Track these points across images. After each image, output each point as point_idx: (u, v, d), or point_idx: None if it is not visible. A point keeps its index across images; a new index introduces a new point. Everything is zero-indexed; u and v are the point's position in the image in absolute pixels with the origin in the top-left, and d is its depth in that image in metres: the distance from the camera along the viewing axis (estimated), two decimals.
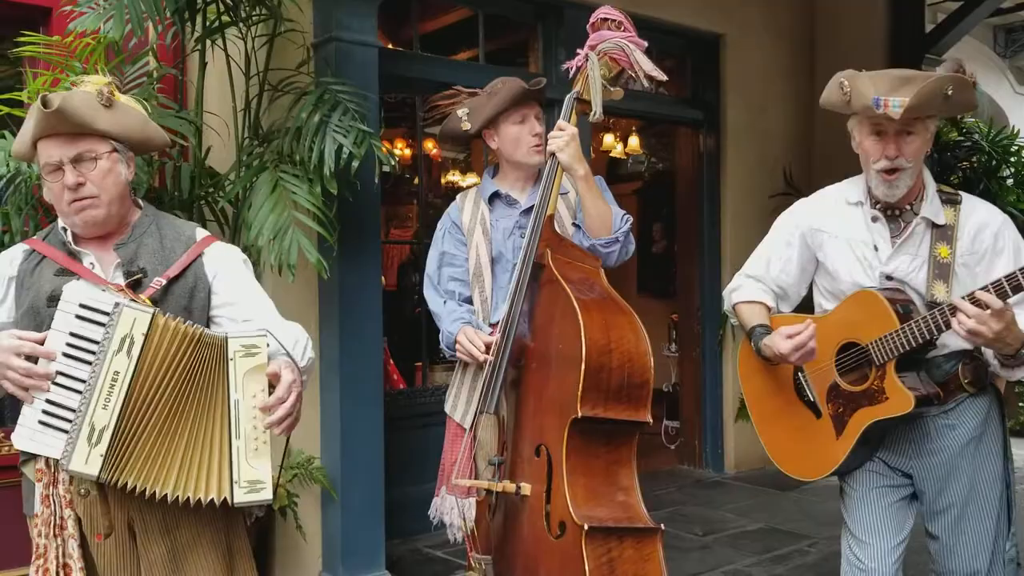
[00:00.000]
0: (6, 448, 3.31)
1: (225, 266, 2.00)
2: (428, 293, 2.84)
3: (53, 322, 1.75)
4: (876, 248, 2.27)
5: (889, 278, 2.25)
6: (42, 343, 1.74)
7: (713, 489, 5.58)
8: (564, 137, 2.47)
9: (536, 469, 2.30)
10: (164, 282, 1.89)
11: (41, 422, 1.73)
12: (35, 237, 1.99)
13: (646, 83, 2.49)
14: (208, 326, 1.95)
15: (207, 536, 1.90)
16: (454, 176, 7.49)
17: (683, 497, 5.36)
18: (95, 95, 1.88)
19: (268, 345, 1.82)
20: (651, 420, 2.29)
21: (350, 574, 3.57)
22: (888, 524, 2.32)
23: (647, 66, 2.44)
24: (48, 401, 1.73)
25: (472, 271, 2.77)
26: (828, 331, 2.28)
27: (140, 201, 2.06)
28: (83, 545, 1.81)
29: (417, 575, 4.04)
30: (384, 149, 3.23)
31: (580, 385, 2.15)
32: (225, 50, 3.24)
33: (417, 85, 4.58)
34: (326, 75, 3.45)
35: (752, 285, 2.48)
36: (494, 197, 2.80)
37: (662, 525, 2.27)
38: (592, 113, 2.50)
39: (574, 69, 2.54)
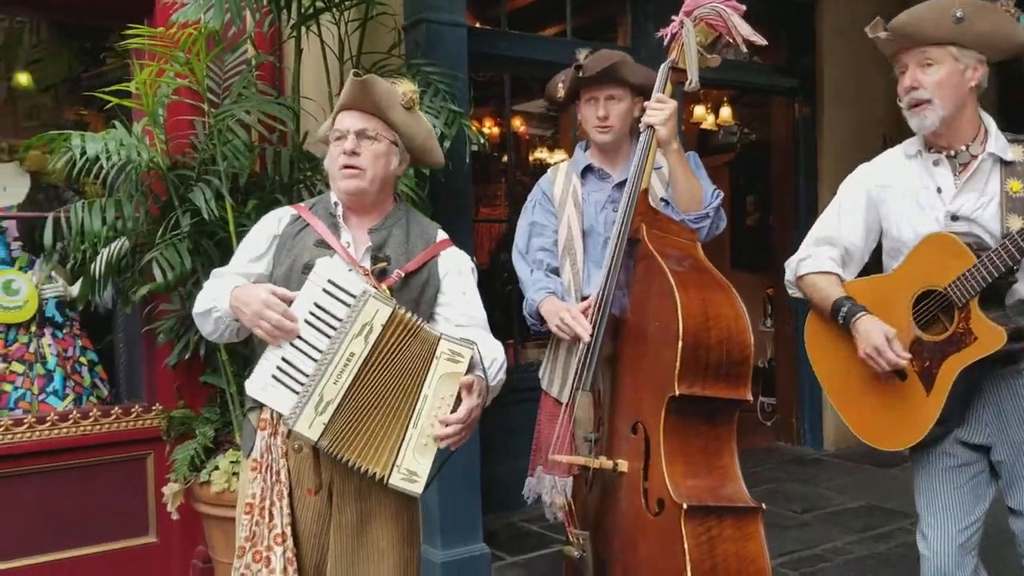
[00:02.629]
0: (126, 423, 3.50)
1: (455, 268, 2.14)
2: (517, 262, 2.85)
3: (302, 289, 1.93)
4: (939, 190, 2.22)
5: (955, 218, 2.19)
6: (290, 304, 1.92)
7: (812, 466, 5.48)
8: (666, 111, 2.43)
9: (633, 446, 2.29)
10: (403, 275, 2.03)
11: (274, 376, 1.90)
12: (302, 204, 2.16)
13: (744, 49, 2.43)
14: (428, 320, 2.08)
15: (391, 508, 2.03)
16: (542, 153, 7.48)
17: (781, 474, 5.28)
18: (399, 93, 2.05)
19: (471, 358, 1.93)
20: (751, 398, 2.26)
21: (448, 547, 3.63)
22: (954, 507, 2.24)
23: (745, 30, 2.37)
24: (283, 359, 1.89)
25: (563, 244, 2.76)
26: (899, 286, 2.22)
27: (398, 196, 2.21)
28: (289, 495, 1.97)
29: (514, 549, 4.09)
30: (473, 128, 3.25)
31: (677, 363, 2.13)
32: (320, 36, 3.29)
33: (505, 63, 4.58)
34: (416, 57, 3.48)
35: (822, 254, 2.40)
36: (586, 171, 2.78)
37: (763, 505, 2.24)
38: (688, 82, 2.45)
39: (668, 37, 2.49)
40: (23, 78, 4.67)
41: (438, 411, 1.90)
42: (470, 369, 1.95)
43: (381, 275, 2.02)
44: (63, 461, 3.38)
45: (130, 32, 3.04)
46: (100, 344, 4.02)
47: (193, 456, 3.23)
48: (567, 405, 2.51)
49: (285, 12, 3.20)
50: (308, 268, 1.96)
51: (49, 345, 3.73)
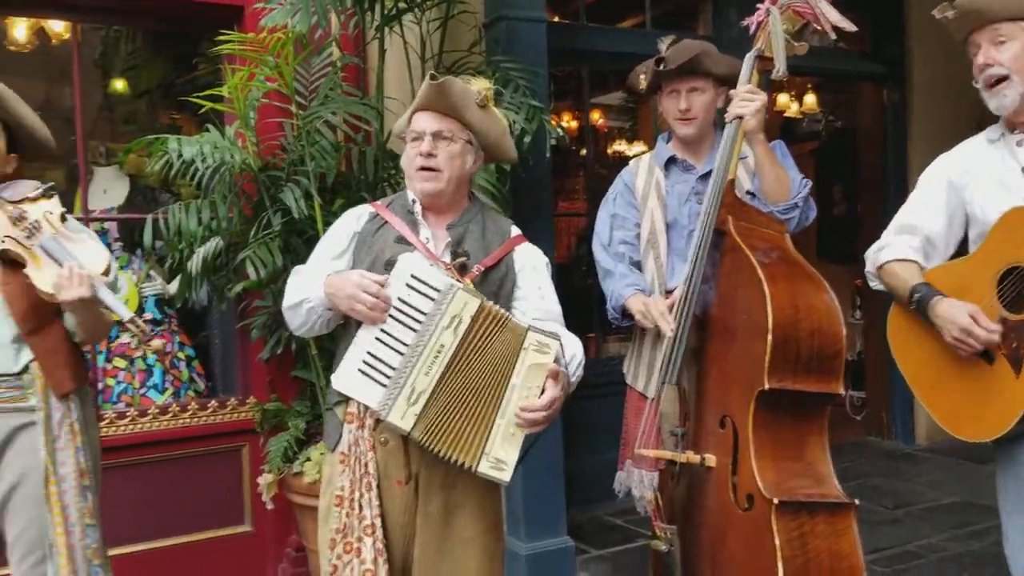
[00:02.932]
0: (222, 416, 3.62)
1: (530, 264, 2.16)
2: (598, 254, 2.84)
3: (386, 284, 1.96)
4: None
5: None
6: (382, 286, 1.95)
7: (903, 461, 5.33)
8: (756, 103, 2.39)
9: (721, 441, 2.27)
10: (483, 269, 2.07)
11: (360, 370, 1.94)
12: (379, 202, 2.20)
13: (832, 36, 2.38)
14: None
15: (475, 499, 2.06)
16: (620, 145, 7.43)
17: (871, 470, 5.15)
18: (474, 92, 2.07)
19: (557, 349, 1.95)
20: (843, 392, 2.22)
21: (532, 539, 3.66)
22: None
23: (834, 16, 2.32)
24: (369, 353, 1.93)
25: (646, 237, 2.75)
26: (980, 267, 2.14)
27: (472, 193, 2.25)
28: (377, 486, 2.00)
29: (598, 542, 4.10)
30: (553, 123, 3.26)
31: (767, 357, 2.10)
32: (402, 36, 3.35)
33: (584, 56, 4.57)
34: (497, 54, 3.51)
35: (901, 242, 2.32)
36: (670, 162, 2.76)
37: (856, 500, 2.20)
38: (775, 70, 2.41)
39: (754, 25, 2.45)
40: (119, 85, 4.87)
41: (525, 400, 1.92)
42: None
43: (461, 269, 2.05)
44: (163, 452, 3.52)
45: (222, 38, 3.13)
46: (196, 340, 4.17)
47: (286, 448, 3.33)
48: (652, 399, 2.51)
49: (369, 14, 3.26)
50: (390, 264, 1.99)
51: (170, 351, 3.89)
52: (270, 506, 3.36)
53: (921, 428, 5.60)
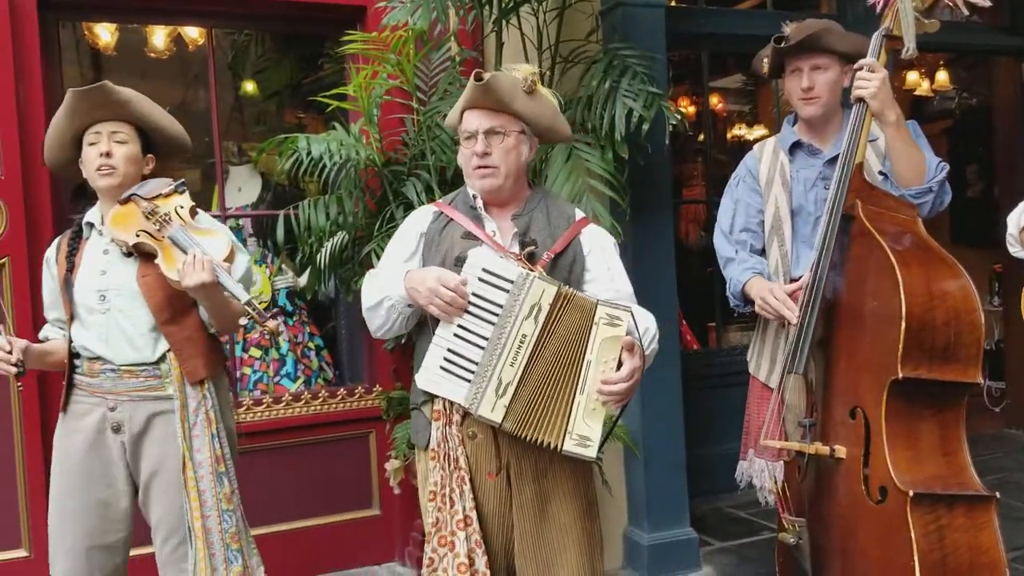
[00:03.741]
0: (350, 404, 3.75)
1: (598, 245, 2.16)
2: (718, 241, 2.80)
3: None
4: None
5: None
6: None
7: None
8: (875, 82, 2.32)
9: (851, 432, 2.22)
10: (553, 256, 2.08)
11: (442, 367, 1.97)
12: (441, 200, 2.24)
13: (965, 12, 2.28)
14: None
15: (568, 485, 2.07)
16: (740, 130, 7.27)
17: (1011, 463, 4.90)
18: (520, 81, 2.08)
19: (629, 321, 1.95)
20: (981, 381, 2.13)
21: (655, 529, 3.64)
22: None
23: None
24: (449, 351, 1.97)
25: (770, 224, 2.69)
26: None
27: (531, 181, 2.26)
28: (471, 480, 2.04)
29: (721, 534, 4.05)
30: (671, 108, 3.22)
31: (900, 345, 2.04)
32: (519, 28, 3.37)
33: (703, 40, 4.49)
34: (613, 41, 3.49)
35: None
36: (795, 147, 2.69)
37: (996, 493, 2.11)
38: (904, 50, 2.32)
39: (881, 3, 2.37)
40: (250, 87, 5.09)
41: (603, 375, 1.92)
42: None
43: (531, 258, 2.05)
44: (296, 438, 3.67)
45: (346, 39, 3.23)
46: (325, 330, 4.33)
47: (410, 435, 3.41)
48: (776, 389, 2.46)
49: (487, 8, 3.30)
50: (461, 260, 2.01)
51: (281, 332, 4.06)
52: (397, 491, 3.45)
53: None
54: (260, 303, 2.19)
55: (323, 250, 3.26)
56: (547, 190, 2.27)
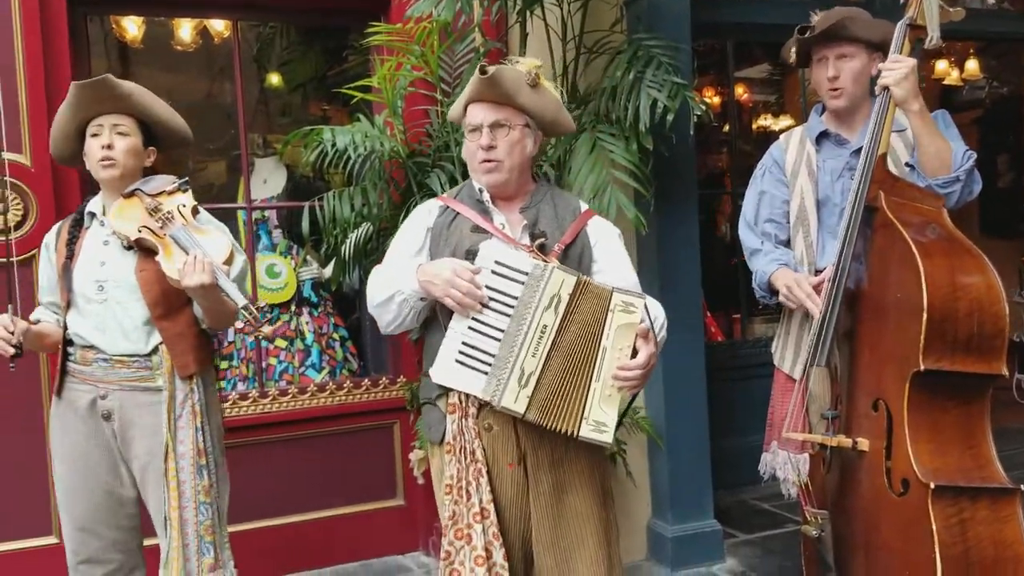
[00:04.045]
0: (374, 394, 3.78)
1: (604, 236, 2.18)
2: (743, 232, 2.79)
3: None
4: None
5: None
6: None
7: None
8: (900, 70, 2.30)
9: (874, 424, 2.21)
10: (563, 247, 2.09)
11: (457, 361, 1.98)
12: (445, 195, 2.25)
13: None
14: None
15: (584, 474, 2.09)
16: (766, 120, 7.21)
17: None
18: (524, 74, 2.09)
19: (642, 307, 1.97)
20: (1006, 372, 2.11)
21: (679, 521, 3.65)
22: None
23: None
24: (464, 343, 1.98)
25: (796, 215, 2.68)
26: None
27: (537, 174, 2.27)
28: (488, 472, 2.05)
29: (745, 527, 4.04)
30: (696, 99, 3.21)
31: (922, 336, 2.03)
32: (544, 19, 3.37)
33: (728, 29, 4.46)
34: (638, 31, 3.47)
35: None
36: (822, 136, 2.67)
37: (1022, 486, 2.09)
38: (928, 39, 2.30)
39: None
40: (275, 79, 5.13)
41: (618, 361, 1.94)
42: None
43: (542, 250, 2.06)
44: (321, 428, 3.72)
45: (371, 30, 3.25)
46: (349, 321, 4.36)
47: (423, 430, 3.43)
48: (800, 381, 2.46)
49: None
50: (471, 254, 2.01)
51: (307, 323, 4.10)
52: (421, 481, 3.48)
53: None
54: (256, 306, 2.20)
55: (348, 241, 3.29)
56: (551, 184, 2.29)
